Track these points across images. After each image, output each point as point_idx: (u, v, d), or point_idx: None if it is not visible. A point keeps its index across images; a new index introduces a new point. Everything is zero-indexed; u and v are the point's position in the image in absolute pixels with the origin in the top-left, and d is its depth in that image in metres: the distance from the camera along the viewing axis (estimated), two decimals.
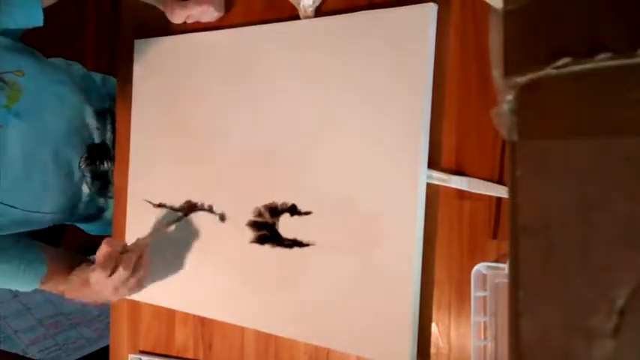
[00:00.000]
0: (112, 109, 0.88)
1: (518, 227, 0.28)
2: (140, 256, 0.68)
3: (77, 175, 0.82)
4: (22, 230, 0.78)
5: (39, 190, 0.76)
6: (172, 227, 0.75)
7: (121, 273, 0.66)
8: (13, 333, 1.27)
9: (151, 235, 0.74)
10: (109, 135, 0.87)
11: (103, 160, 0.85)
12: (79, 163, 0.81)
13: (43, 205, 0.78)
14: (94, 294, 0.72)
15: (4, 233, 0.75)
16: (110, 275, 0.66)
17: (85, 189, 0.84)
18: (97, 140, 0.85)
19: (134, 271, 0.67)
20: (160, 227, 0.74)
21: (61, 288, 0.81)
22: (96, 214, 0.94)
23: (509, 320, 0.28)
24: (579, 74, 0.25)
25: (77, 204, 0.85)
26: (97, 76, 0.93)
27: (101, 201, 0.91)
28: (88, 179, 0.84)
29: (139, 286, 0.70)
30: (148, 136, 0.80)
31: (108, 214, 0.94)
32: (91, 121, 0.84)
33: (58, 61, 0.87)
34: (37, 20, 0.74)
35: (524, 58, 0.28)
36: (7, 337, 1.26)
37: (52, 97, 0.77)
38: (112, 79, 0.92)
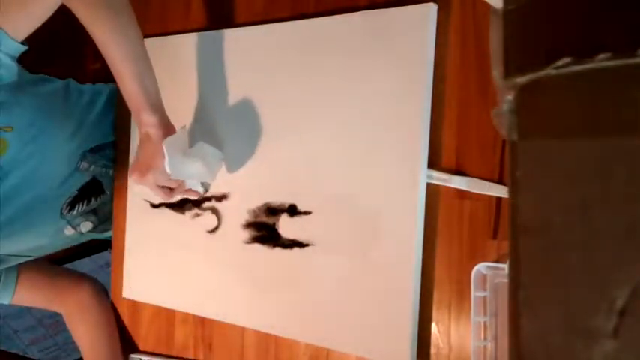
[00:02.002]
0: (108, 142, 0.86)
1: (518, 227, 0.28)
2: None
3: (60, 222, 0.80)
4: None
5: (17, 236, 0.75)
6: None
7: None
8: (13, 333, 1.27)
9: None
10: (98, 170, 0.84)
11: (97, 196, 0.83)
12: (61, 210, 0.79)
13: (20, 247, 0.77)
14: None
15: None
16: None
17: (68, 231, 0.83)
18: (86, 180, 0.82)
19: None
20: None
21: (38, 300, 0.81)
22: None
23: (509, 320, 0.28)
24: (579, 74, 0.25)
25: (61, 243, 0.84)
26: (101, 100, 0.87)
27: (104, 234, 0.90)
28: (72, 222, 0.82)
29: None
30: None
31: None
32: (83, 164, 0.81)
33: (58, 91, 0.81)
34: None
35: (524, 58, 0.28)
36: (7, 337, 1.26)
37: (41, 150, 0.74)
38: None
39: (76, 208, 0.81)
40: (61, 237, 0.82)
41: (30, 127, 0.73)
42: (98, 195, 0.84)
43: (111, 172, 0.86)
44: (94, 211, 0.85)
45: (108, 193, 0.86)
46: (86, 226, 0.84)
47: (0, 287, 0.77)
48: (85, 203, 0.82)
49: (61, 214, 0.79)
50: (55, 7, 0.65)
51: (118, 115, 0.85)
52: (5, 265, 0.78)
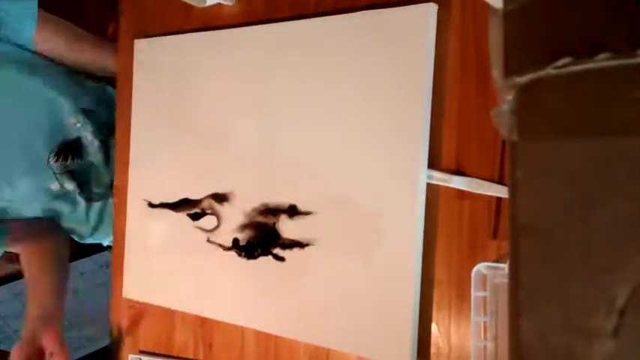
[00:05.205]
0: (100, 113, 0.89)
1: (518, 227, 0.28)
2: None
3: (46, 170, 0.82)
4: None
5: (8, 184, 0.77)
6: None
7: None
8: (13, 333, 1.27)
9: None
10: (87, 135, 0.87)
11: (73, 156, 0.85)
12: (48, 158, 0.82)
13: (12, 204, 0.79)
14: None
15: None
16: None
17: (55, 186, 0.85)
18: (72, 136, 0.85)
19: None
20: None
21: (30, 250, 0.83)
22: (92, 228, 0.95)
23: (509, 320, 0.28)
24: (579, 74, 0.25)
25: (51, 200, 0.86)
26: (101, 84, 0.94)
27: (90, 208, 0.92)
28: (58, 176, 0.84)
29: None
30: (148, 135, 0.80)
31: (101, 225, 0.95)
32: (69, 119, 0.84)
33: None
34: (27, 41, 0.79)
35: (524, 58, 0.28)
36: (7, 337, 1.26)
37: (20, 91, 0.78)
38: (110, 90, 0.93)
39: (60, 160, 0.83)
40: (46, 190, 0.84)
41: (8, 66, 0.77)
42: (76, 157, 0.86)
43: (96, 143, 0.88)
44: (73, 174, 0.87)
45: (88, 160, 0.88)
46: (70, 185, 0.87)
47: None
48: (68, 158, 0.85)
49: (48, 161, 0.82)
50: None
51: (118, 116, 0.85)
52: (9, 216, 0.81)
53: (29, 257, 0.85)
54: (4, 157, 0.77)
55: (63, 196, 0.87)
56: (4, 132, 0.76)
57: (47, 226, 0.89)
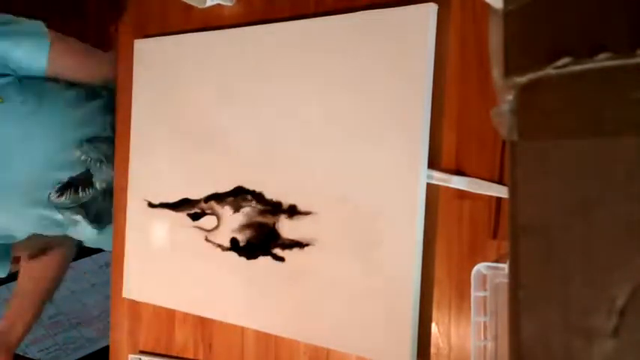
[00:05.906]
0: (104, 137, 0.87)
1: (518, 227, 0.28)
2: None
3: (48, 205, 0.81)
4: None
5: (9, 219, 0.77)
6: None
7: None
8: None
9: None
10: (95, 164, 0.84)
11: (84, 188, 0.83)
12: (49, 195, 0.80)
13: (16, 233, 0.79)
14: None
15: None
16: None
17: (58, 216, 0.83)
18: (80, 170, 0.83)
19: None
20: None
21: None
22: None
23: (509, 320, 0.28)
24: (579, 74, 0.25)
25: (57, 229, 0.85)
26: (102, 94, 0.89)
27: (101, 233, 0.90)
28: (62, 210, 0.83)
29: None
30: (148, 135, 0.80)
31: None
32: (76, 152, 0.82)
33: (61, 86, 0.83)
34: (40, 70, 0.77)
35: (524, 58, 0.28)
36: None
37: (33, 128, 0.76)
38: None
39: (65, 196, 0.81)
40: (49, 221, 0.83)
41: (22, 104, 0.75)
42: (87, 187, 0.84)
43: (104, 167, 0.85)
44: (82, 206, 0.84)
45: (97, 188, 0.85)
46: (77, 217, 0.85)
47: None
48: (72, 192, 0.82)
49: (49, 199, 0.80)
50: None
51: (118, 116, 0.85)
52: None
53: (28, 274, 0.86)
54: (7, 193, 0.75)
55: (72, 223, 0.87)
56: (6, 168, 0.74)
57: (54, 243, 0.88)
